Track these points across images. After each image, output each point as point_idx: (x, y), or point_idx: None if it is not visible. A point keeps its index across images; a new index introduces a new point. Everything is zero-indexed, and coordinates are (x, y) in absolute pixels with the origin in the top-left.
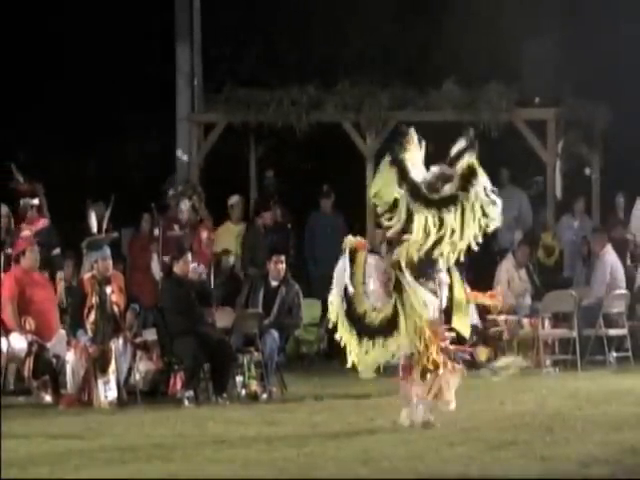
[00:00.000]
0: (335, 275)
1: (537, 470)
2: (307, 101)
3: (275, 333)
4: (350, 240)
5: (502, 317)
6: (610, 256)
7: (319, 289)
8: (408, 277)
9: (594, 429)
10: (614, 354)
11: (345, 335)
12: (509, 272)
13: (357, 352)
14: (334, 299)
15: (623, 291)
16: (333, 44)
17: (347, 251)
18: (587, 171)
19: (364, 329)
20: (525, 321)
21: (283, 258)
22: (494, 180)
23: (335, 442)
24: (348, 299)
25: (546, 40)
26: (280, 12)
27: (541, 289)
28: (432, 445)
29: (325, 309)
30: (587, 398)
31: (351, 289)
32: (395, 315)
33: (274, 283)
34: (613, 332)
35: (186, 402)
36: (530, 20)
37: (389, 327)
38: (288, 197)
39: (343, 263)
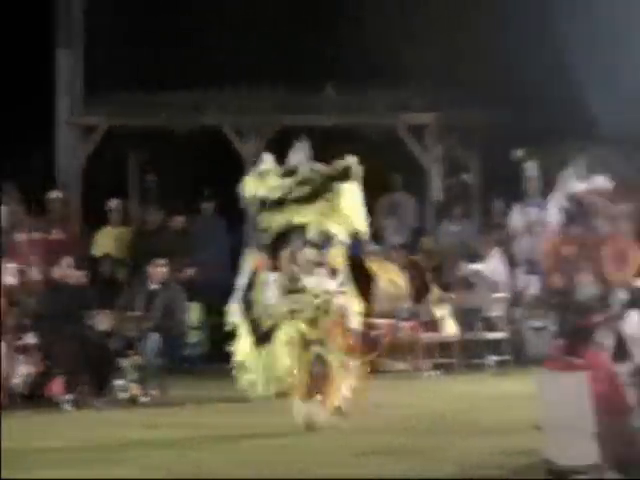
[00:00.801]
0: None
1: (421, 473)
2: (189, 105)
3: (156, 336)
4: (252, 259)
5: (382, 320)
6: (497, 259)
7: (201, 292)
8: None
9: (476, 432)
10: (494, 357)
11: (246, 353)
12: (389, 275)
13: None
14: (237, 318)
15: (503, 294)
16: (217, 48)
17: (248, 270)
18: (466, 177)
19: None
20: (405, 324)
21: (164, 261)
22: (385, 185)
23: (217, 445)
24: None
25: (427, 44)
26: (166, 15)
27: (421, 293)
28: (314, 448)
29: (207, 312)
30: (468, 401)
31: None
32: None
33: (155, 286)
34: (493, 335)
35: (66, 406)
36: (411, 24)
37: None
38: (170, 201)
39: (243, 281)
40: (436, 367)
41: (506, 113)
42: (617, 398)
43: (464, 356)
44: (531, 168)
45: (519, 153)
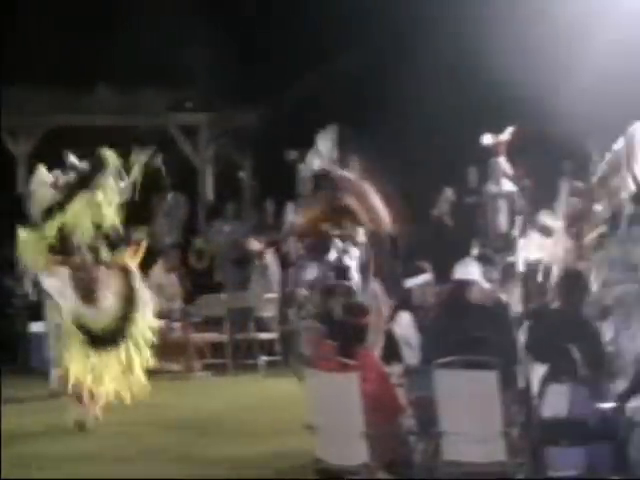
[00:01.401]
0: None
1: (190, 473)
2: None
3: None
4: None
5: None
6: (270, 259)
7: None
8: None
9: (245, 433)
10: (265, 358)
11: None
12: (160, 276)
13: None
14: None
15: (274, 295)
16: None
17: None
18: (241, 175)
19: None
20: (176, 325)
21: None
22: (157, 185)
23: None
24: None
25: (201, 44)
26: None
27: (192, 293)
28: (83, 448)
29: None
30: (238, 402)
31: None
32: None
33: None
34: (264, 336)
35: None
36: (185, 26)
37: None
38: None
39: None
40: (207, 367)
41: (280, 113)
42: (388, 398)
43: (236, 356)
44: (305, 169)
45: (293, 154)
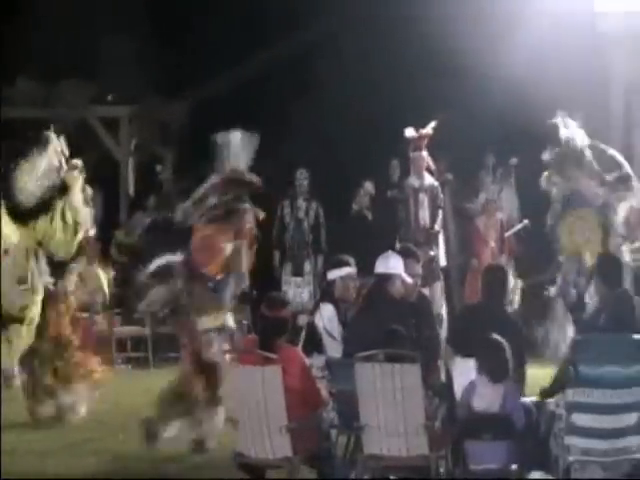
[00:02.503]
0: None
1: (111, 468)
2: None
3: None
4: None
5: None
6: None
7: None
8: None
9: None
10: None
11: None
12: (82, 268)
13: None
14: None
15: None
16: None
17: None
18: (158, 168)
19: None
20: (99, 318)
21: None
22: None
23: None
24: None
25: (123, 37)
26: None
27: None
28: (6, 441)
29: None
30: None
31: None
32: None
33: None
34: None
35: None
36: (107, 16)
37: None
38: None
39: None
40: (128, 361)
41: (203, 106)
42: (310, 392)
43: (157, 350)
44: None
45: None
